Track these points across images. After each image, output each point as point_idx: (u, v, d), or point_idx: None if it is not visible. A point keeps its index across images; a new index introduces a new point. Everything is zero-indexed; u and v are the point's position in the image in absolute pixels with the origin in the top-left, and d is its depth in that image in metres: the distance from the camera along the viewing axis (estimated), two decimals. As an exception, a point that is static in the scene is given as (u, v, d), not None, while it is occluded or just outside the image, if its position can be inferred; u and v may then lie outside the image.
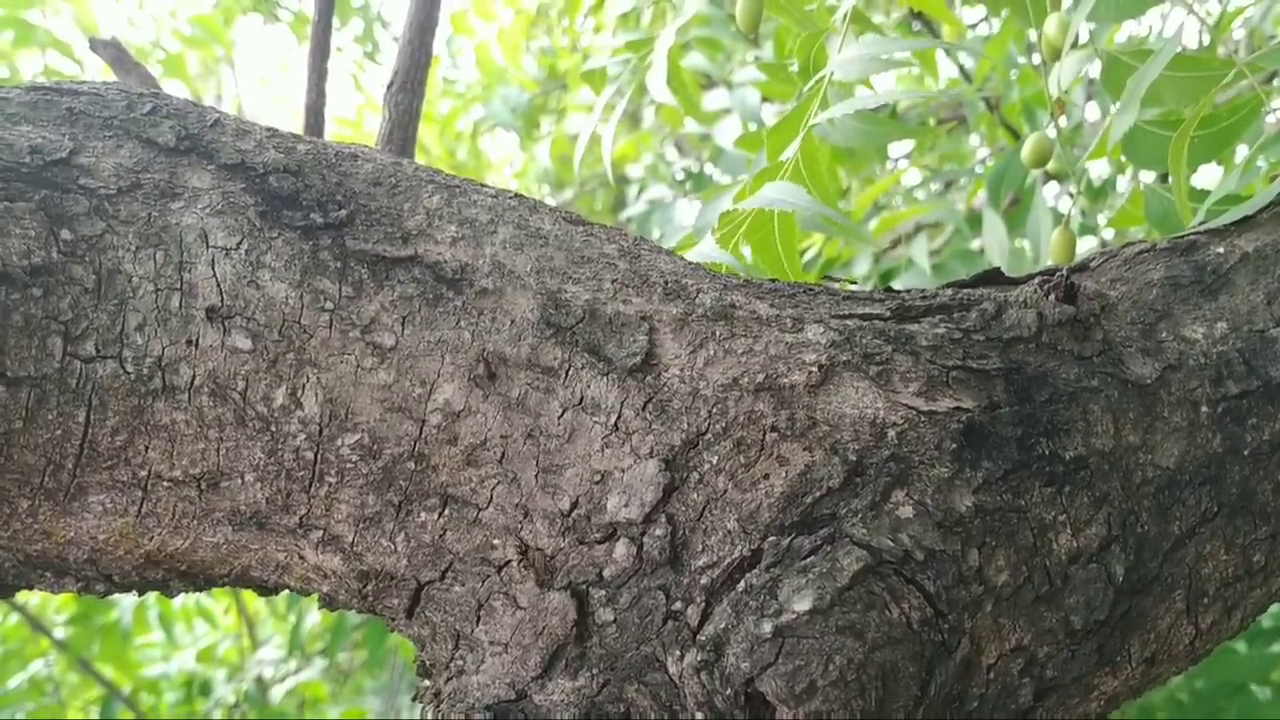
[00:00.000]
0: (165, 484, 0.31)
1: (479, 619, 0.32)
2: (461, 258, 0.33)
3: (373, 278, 0.32)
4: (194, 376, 0.31)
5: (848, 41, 0.53)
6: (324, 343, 0.31)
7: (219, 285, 0.31)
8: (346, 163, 0.35)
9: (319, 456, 0.31)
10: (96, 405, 0.30)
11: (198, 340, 0.31)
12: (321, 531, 0.32)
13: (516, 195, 0.36)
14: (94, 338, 0.30)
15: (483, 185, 0.36)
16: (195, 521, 0.32)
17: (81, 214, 0.31)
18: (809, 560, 0.29)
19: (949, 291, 0.36)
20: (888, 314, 0.34)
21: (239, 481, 0.32)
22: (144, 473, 0.31)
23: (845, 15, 0.53)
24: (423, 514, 0.32)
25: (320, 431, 0.31)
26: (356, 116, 1.86)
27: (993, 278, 0.38)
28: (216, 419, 0.31)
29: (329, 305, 0.32)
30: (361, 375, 0.31)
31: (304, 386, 0.31)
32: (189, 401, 0.31)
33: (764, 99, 1.18)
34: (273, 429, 0.31)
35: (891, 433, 0.31)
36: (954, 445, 0.31)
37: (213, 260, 0.31)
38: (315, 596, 0.36)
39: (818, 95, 0.50)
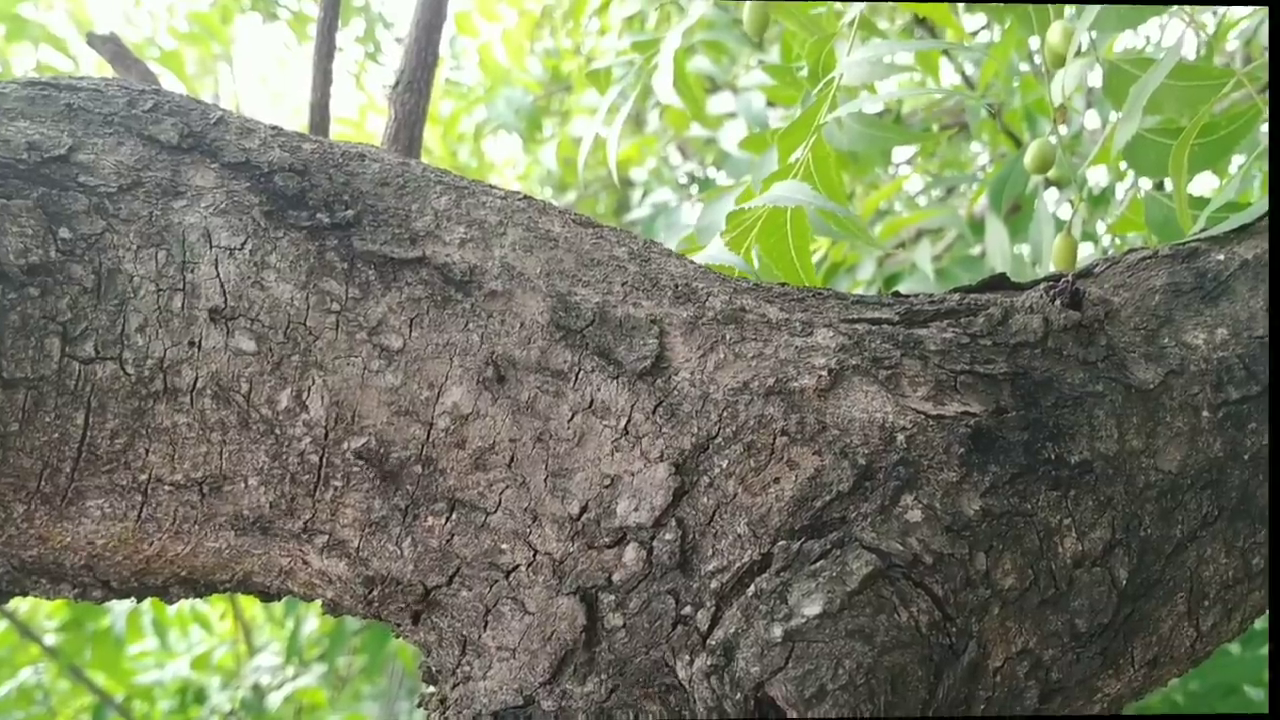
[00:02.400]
0: (166, 488, 0.31)
1: (486, 624, 0.32)
2: (470, 259, 0.33)
3: (380, 279, 0.32)
4: (196, 378, 0.30)
5: (855, 46, 0.54)
6: (330, 345, 0.31)
7: (222, 286, 0.30)
8: (353, 162, 0.34)
9: (324, 460, 0.31)
10: (95, 407, 0.29)
11: (200, 342, 0.30)
12: (326, 536, 0.32)
13: (526, 197, 0.36)
14: (93, 338, 0.29)
15: (491, 187, 0.36)
16: (197, 526, 0.32)
17: (81, 212, 0.30)
18: (819, 564, 0.29)
19: (956, 296, 0.37)
20: (896, 319, 0.35)
21: (242, 486, 0.31)
22: (144, 477, 0.30)
23: (853, 21, 0.53)
24: (430, 518, 0.31)
25: (326, 435, 0.31)
26: (358, 116, 1.85)
27: (999, 283, 0.38)
28: (219, 422, 0.30)
29: (335, 307, 0.31)
30: (368, 378, 0.31)
31: (309, 389, 0.31)
32: (191, 404, 0.30)
33: (769, 103, 1.18)
34: (277, 432, 0.31)
35: (900, 437, 0.31)
36: (962, 449, 0.31)
37: (216, 260, 0.31)
38: (316, 602, 0.35)
39: (827, 98, 0.50)
